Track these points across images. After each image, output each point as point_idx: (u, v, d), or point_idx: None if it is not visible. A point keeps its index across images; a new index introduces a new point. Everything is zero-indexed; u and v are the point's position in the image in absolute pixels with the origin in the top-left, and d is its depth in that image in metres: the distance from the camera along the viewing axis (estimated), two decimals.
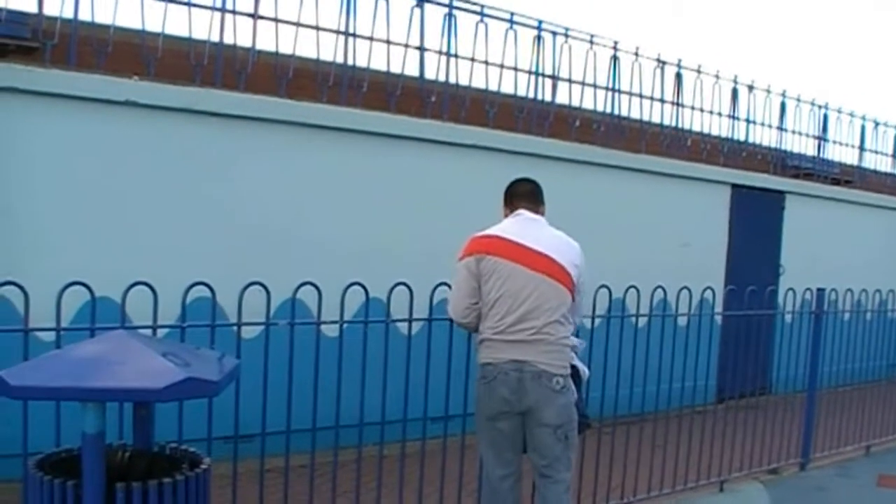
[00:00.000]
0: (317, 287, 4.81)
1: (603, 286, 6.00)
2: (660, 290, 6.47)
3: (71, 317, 4.37)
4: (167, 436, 3.88)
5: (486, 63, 9.17)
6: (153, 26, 7.26)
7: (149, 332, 4.24)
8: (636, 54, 10.45)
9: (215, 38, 7.54)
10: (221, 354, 3.62)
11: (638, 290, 6.28)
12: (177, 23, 7.49)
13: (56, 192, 6.50)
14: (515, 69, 9.45)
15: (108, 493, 2.99)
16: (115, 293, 4.22)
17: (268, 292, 4.70)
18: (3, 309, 4.71)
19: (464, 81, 9.08)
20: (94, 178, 6.63)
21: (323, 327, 4.94)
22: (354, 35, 8.28)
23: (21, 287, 4.01)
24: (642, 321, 6.51)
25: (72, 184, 6.56)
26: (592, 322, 6.07)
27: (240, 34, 7.69)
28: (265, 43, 7.89)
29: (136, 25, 7.24)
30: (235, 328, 4.70)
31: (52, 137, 6.46)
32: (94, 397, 2.92)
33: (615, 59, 10.30)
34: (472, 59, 9.06)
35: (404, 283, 5.10)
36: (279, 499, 4.97)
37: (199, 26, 7.52)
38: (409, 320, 5.31)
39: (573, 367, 5.13)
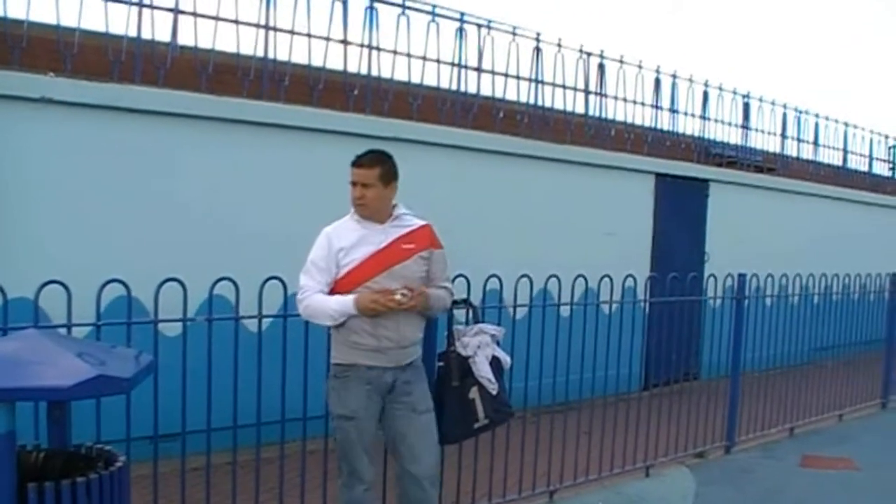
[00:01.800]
0: (234, 282, 4.78)
1: (525, 276, 6.06)
2: (585, 279, 6.53)
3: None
4: (89, 436, 3.86)
5: (409, 56, 9.19)
6: (69, 21, 7.14)
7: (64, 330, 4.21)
8: (559, 45, 10.54)
9: (133, 32, 7.46)
10: (138, 352, 3.59)
11: (559, 280, 6.33)
12: (94, 18, 7.38)
13: None
14: (438, 61, 9.48)
15: (21, 494, 2.96)
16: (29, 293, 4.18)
17: (184, 288, 4.67)
18: None
19: (386, 74, 9.09)
20: (7, 177, 6.52)
21: (249, 322, 4.93)
22: (275, 29, 8.24)
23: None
24: (567, 310, 6.57)
25: None
26: (514, 312, 6.13)
27: (159, 29, 7.63)
28: (185, 38, 7.85)
29: (52, 20, 7.12)
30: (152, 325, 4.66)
31: None
32: (1, 397, 2.89)
33: (538, 50, 10.38)
34: (395, 52, 9.06)
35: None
36: (202, 498, 4.94)
37: (118, 21, 7.45)
38: None
39: (493, 356, 5.17)
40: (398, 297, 4.54)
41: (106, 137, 6.91)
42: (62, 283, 4.20)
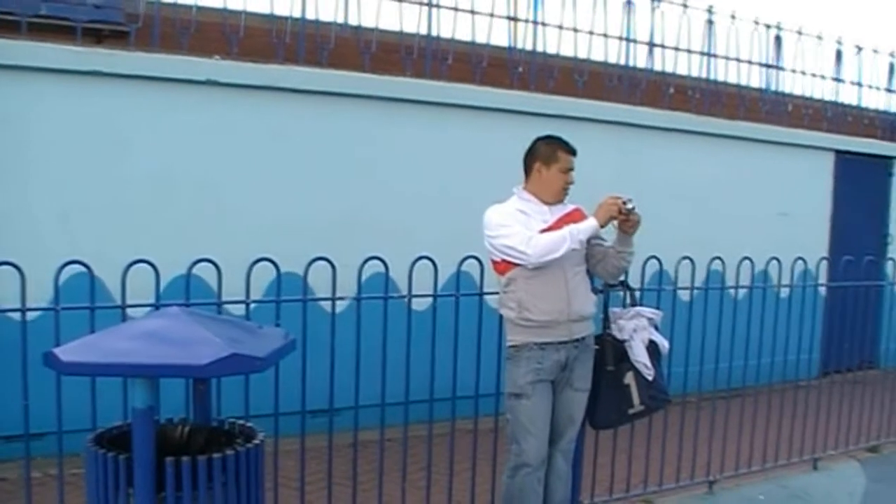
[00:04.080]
0: (383, 261, 4.79)
1: (686, 257, 5.87)
2: (751, 261, 6.29)
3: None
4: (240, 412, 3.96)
5: (576, 31, 9.02)
6: (235, 4, 7.34)
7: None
8: (732, 17, 10.13)
9: (297, 14, 7.59)
10: (282, 332, 3.62)
11: (723, 262, 6.11)
12: (260, 1, 7.56)
13: (145, 174, 6.65)
14: (606, 36, 9.27)
15: (159, 467, 3.03)
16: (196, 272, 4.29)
17: (333, 268, 4.70)
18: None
19: (552, 50, 8.94)
20: (179, 158, 6.76)
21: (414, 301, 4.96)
22: (438, 6, 8.23)
23: (87, 266, 4.10)
24: (742, 293, 6.35)
25: (160, 165, 6.70)
26: (677, 294, 5.96)
27: (322, 9, 7.73)
28: (348, 17, 7.91)
29: (219, 4, 7.34)
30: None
31: (136, 120, 6.60)
32: (139, 373, 2.97)
33: (710, 23, 10.02)
34: (561, 27, 8.91)
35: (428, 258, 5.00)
36: (348, 472, 4.98)
37: (282, 3, 7.59)
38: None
39: (650, 340, 5.03)
40: (630, 205, 4.61)
41: (268, 118, 7.06)
42: (212, 262, 4.29)
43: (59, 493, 4.16)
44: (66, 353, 3.01)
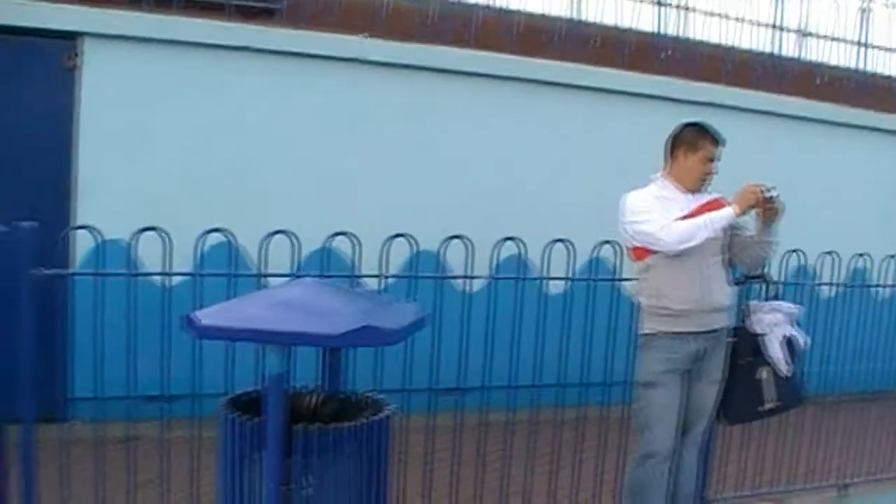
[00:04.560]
0: (523, 243, 4.77)
1: (830, 252, 5.67)
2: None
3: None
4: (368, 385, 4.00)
5: (725, 17, 8.81)
6: None
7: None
8: (889, 5, 9.71)
9: None
10: (415, 306, 3.63)
11: (871, 259, 5.88)
12: None
13: (289, 147, 6.78)
14: (756, 24, 9.01)
15: (288, 433, 3.07)
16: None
17: (470, 246, 4.69)
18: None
19: (699, 36, 8.76)
20: (323, 134, 6.86)
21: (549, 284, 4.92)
22: None
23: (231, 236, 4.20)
24: (886, 293, 6.13)
25: (303, 139, 6.82)
26: (815, 290, 5.77)
27: None
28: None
29: None
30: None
31: (283, 95, 6.73)
32: (273, 340, 3.01)
33: (865, 10, 9.62)
34: (710, 14, 8.71)
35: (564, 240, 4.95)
36: (473, 451, 4.98)
37: None
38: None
39: (788, 336, 4.87)
40: (773, 192, 4.48)
41: (412, 97, 7.11)
42: (353, 235, 4.34)
43: (195, 453, 4.28)
44: (204, 317, 3.07)
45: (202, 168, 6.57)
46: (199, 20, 6.60)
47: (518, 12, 7.86)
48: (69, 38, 6.43)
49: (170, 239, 4.10)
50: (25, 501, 4.04)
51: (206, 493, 4.48)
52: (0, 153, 6.40)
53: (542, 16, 8.00)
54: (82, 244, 5.69)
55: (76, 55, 6.45)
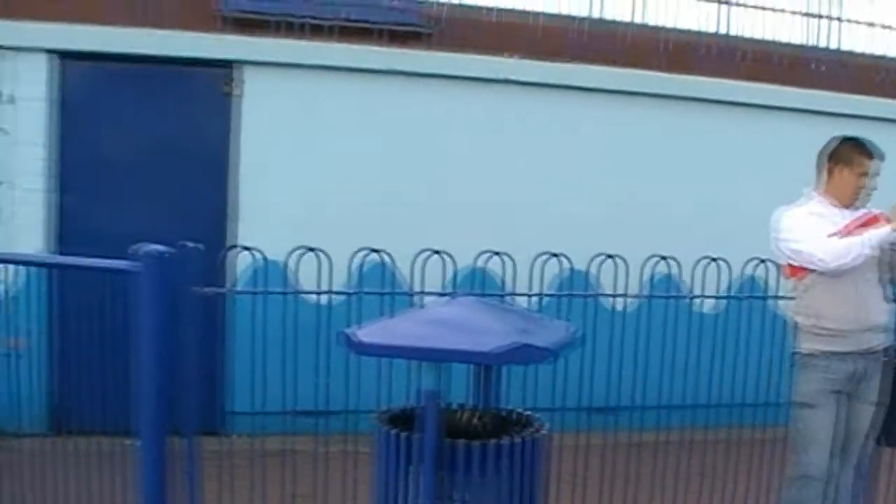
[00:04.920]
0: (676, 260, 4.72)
1: None
2: None
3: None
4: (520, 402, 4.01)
5: (879, 26, 8.53)
6: (532, 6, 7.45)
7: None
8: None
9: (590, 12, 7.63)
10: (569, 325, 3.63)
11: None
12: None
13: (441, 166, 6.89)
14: None
15: (441, 448, 3.11)
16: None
17: (623, 264, 4.67)
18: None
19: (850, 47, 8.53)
20: (474, 153, 6.94)
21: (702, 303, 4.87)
22: (735, 3, 8.02)
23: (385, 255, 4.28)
24: None
25: (455, 158, 6.92)
26: None
27: (618, 8, 7.70)
28: (645, 16, 7.87)
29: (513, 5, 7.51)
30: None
31: (432, 115, 6.84)
32: (428, 357, 3.05)
33: None
34: (860, 23, 8.46)
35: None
36: (621, 470, 4.93)
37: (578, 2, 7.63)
38: None
39: None
40: None
41: (560, 115, 7.12)
42: (505, 254, 4.37)
43: (350, 467, 4.36)
44: (361, 334, 3.14)
45: (356, 190, 6.74)
46: (351, 46, 6.78)
47: (668, 29, 7.78)
48: (228, 67, 6.70)
49: (328, 259, 4.20)
50: None
51: None
52: (163, 177, 6.72)
53: (692, 32, 7.90)
54: (240, 264, 5.88)
55: (235, 83, 6.71)
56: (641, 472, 4.99)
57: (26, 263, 5.76)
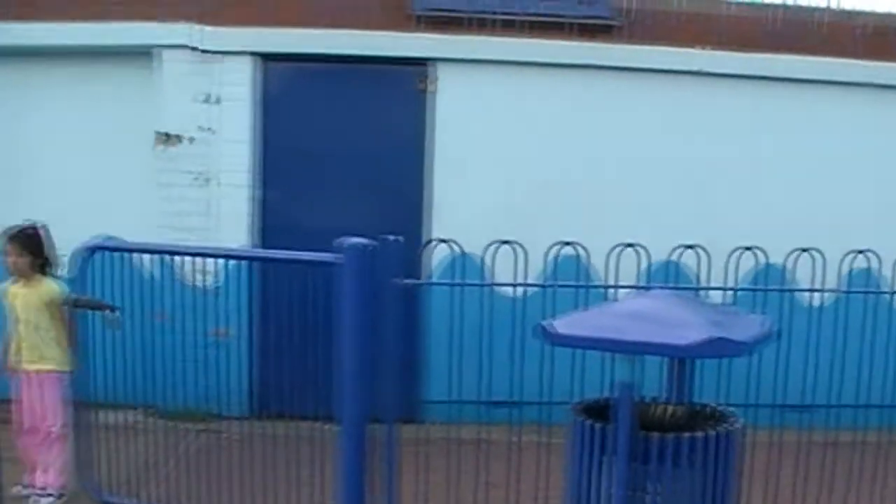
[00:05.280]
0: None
1: None
2: None
3: None
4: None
5: None
6: None
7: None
8: None
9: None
10: (765, 319, 3.60)
11: None
12: None
13: (629, 161, 6.91)
14: None
15: (637, 439, 3.15)
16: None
17: (823, 258, 4.57)
18: None
19: None
20: (662, 146, 6.93)
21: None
22: None
23: (579, 248, 4.33)
24: None
25: (644, 153, 6.92)
26: None
27: None
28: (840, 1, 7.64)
29: None
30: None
31: (622, 108, 6.86)
32: (624, 349, 3.09)
33: None
34: None
35: None
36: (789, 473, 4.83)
37: None
38: None
39: None
40: None
41: (754, 108, 7.02)
42: (700, 247, 4.35)
43: (543, 457, 4.45)
44: (557, 325, 3.22)
45: (548, 184, 6.84)
46: (542, 41, 6.85)
47: (865, 13, 7.52)
48: (422, 65, 6.90)
49: (524, 251, 4.28)
50: (388, 493, 4.37)
51: (553, 496, 4.64)
52: (360, 173, 6.97)
53: (891, 15, 7.60)
54: (436, 257, 6.05)
55: (429, 80, 6.90)
56: (837, 473, 4.88)
57: (238, 258, 6.11)
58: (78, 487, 5.06)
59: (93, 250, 4.68)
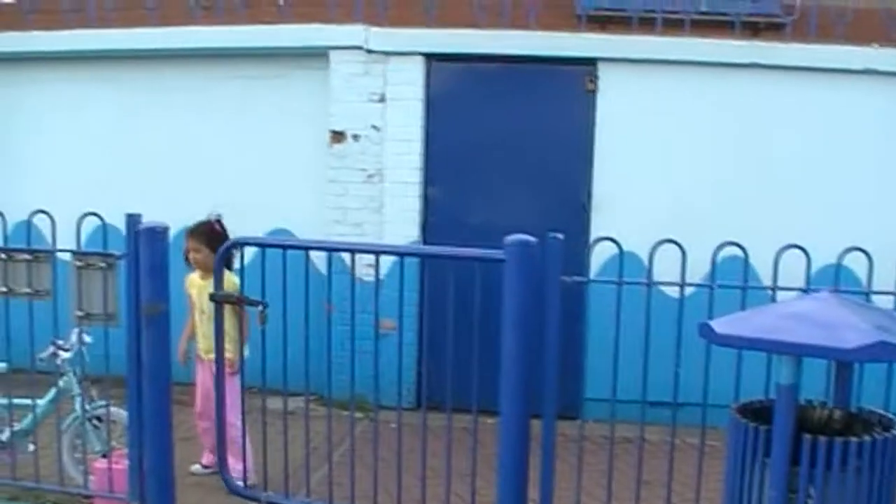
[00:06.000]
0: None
1: None
2: None
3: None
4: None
5: None
6: None
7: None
8: None
9: None
10: None
11: None
12: None
13: (791, 160, 6.79)
14: None
15: (796, 443, 3.15)
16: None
17: None
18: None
19: None
20: (827, 148, 6.81)
21: None
22: None
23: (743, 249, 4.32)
24: None
25: (808, 153, 6.82)
26: None
27: None
28: None
29: None
30: None
31: (790, 108, 6.77)
32: (786, 350, 3.10)
33: None
34: None
35: None
36: None
37: None
38: None
39: None
40: None
41: None
42: (862, 250, 4.27)
43: (699, 458, 4.46)
44: (720, 325, 3.25)
45: (713, 183, 6.84)
46: (707, 40, 6.82)
47: None
48: (591, 65, 6.96)
49: (686, 251, 4.29)
50: (544, 487, 4.46)
51: (708, 497, 4.64)
52: (527, 170, 7.09)
53: None
54: (598, 255, 6.08)
55: (594, 79, 6.95)
56: None
57: (412, 255, 6.28)
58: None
59: (232, 246, 4.90)
